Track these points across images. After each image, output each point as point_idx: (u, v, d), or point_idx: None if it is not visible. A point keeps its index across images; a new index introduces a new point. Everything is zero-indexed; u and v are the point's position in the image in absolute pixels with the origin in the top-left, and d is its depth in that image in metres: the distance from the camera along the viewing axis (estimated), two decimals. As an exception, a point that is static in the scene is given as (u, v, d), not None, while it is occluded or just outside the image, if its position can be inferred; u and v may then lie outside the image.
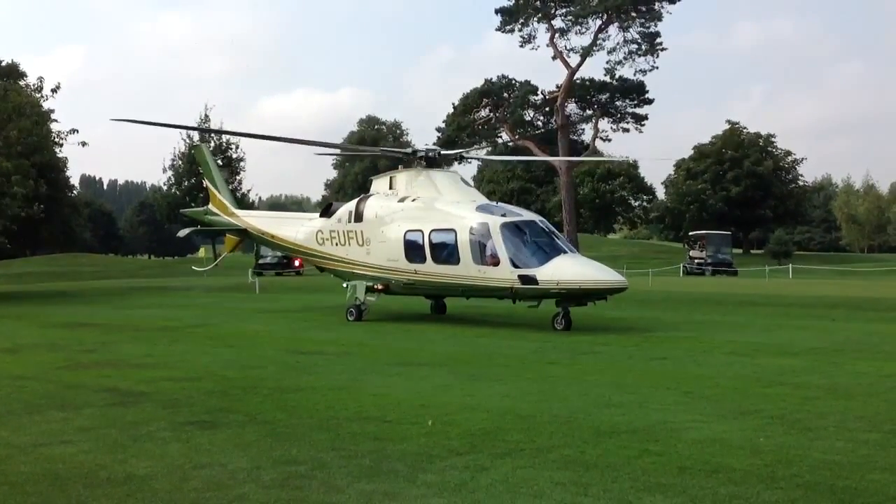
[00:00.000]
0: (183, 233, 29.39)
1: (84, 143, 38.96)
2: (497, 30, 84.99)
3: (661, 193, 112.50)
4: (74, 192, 77.44)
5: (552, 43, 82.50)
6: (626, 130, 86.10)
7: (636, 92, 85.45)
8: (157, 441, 7.90)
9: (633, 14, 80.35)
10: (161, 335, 18.12)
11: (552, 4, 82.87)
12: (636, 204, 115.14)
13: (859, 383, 11.12)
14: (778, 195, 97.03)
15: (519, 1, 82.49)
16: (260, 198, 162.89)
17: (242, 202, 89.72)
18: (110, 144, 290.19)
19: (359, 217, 22.10)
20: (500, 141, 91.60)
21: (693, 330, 18.68)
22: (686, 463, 6.96)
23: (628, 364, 13.20)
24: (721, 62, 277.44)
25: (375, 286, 21.55)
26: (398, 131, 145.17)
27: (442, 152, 23.11)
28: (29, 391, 10.85)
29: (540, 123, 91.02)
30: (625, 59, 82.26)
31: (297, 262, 25.35)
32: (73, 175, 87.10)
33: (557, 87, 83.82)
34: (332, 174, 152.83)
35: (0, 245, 37.63)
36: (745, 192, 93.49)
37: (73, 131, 38.28)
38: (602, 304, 19.40)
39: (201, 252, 72.19)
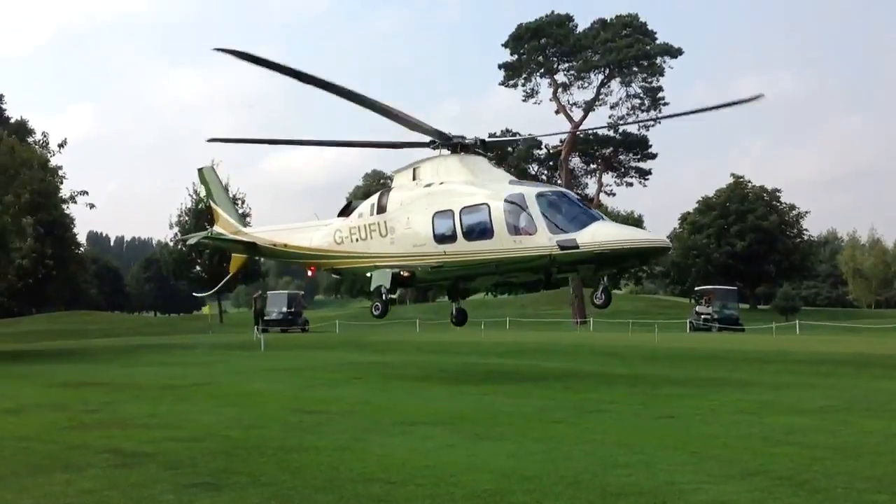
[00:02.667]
0: (192, 239, 28.51)
1: (92, 206, 39.47)
2: (501, 84, 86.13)
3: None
4: (81, 248, 77.83)
5: (555, 97, 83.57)
6: (630, 184, 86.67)
7: (639, 146, 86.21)
8: (159, 504, 7.85)
9: (635, 69, 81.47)
10: (165, 394, 18.05)
11: (554, 60, 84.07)
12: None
13: (867, 443, 11.03)
14: (783, 249, 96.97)
15: (522, 56, 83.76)
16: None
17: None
18: (118, 201, 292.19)
19: (381, 209, 21.56)
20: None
21: (700, 387, 18.57)
22: (693, 526, 6.88)
23: (635, 423, 13.11)
24: (724, 115, 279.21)
25: (401, 273, 20.89)
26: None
27: (469, 138, 22.10)
28: (32, 452, 10.79)
29: (544, 177, 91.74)
30: (628, 113, 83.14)
31: (310, 272, 23.67)
32: (81, 232, 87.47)
33: (561, 141, 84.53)
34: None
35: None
36: (749, 246, 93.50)
37: (83, 192, 38.77)
38: (608, 360, 19.34)
39: (206, 309, 72.20)
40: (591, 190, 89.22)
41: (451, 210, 19.86)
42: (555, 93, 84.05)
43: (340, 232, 22.55)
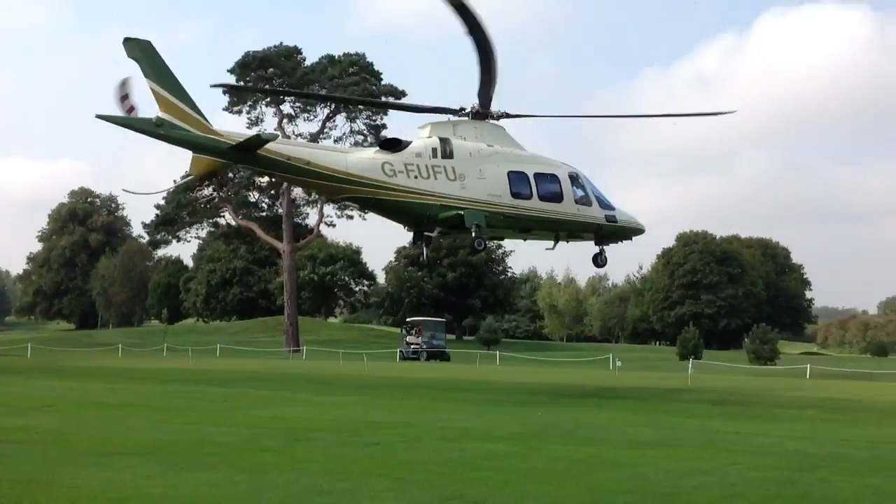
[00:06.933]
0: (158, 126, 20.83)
1: None
2: (224, 109, 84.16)
3: (382, 278, 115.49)
4: None
5: (280, 127, 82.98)
6: (351, 217, 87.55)
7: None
8: None
9: (360, 107, 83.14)
10: None
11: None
12: (357, 288, 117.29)
13: (555, 468, 11.84)
14: (489, 285, 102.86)
15: (248, 83, 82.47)
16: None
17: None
18: None
19: (447, 154, 22.80)
20: (222, 221, 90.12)
21: (406, 415, 19.08)
22: (392, 550, 7.03)
23: (342, 450, 13.21)
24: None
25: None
26: (113, 205, 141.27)
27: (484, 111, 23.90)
28: None
29: (265, 205, 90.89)
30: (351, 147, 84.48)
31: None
32: None
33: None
34: (37, 247, 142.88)
35: None
36: (459, 279, 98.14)
37: None
38: (320, 388, 19.44)
39: None
40: (312, 220, 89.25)
41: (524, 172, 23.36)
42: (280, 122, 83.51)
43: (391, 165, 22.44)
